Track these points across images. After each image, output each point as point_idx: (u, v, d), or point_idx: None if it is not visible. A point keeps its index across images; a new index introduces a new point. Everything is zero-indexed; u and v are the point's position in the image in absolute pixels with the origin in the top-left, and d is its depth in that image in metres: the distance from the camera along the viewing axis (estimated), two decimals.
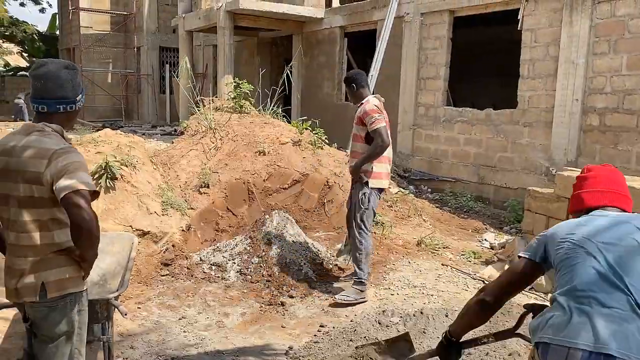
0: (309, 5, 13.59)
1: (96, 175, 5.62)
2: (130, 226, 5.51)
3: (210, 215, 6.28)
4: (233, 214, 6.40)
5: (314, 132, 7.84)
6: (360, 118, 4.62)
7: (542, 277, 4.81)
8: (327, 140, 7.96)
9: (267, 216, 5.61)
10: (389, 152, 4.70)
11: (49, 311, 2.22)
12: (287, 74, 10.44)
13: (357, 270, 4.55)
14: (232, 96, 8.48)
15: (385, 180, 4.78)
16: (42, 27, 31.44)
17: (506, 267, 5.28)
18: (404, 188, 9.97)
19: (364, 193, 4.61)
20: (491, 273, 5.25)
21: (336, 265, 5.35)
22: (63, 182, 2.09)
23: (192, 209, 6.24)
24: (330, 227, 6.50)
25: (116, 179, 5.74)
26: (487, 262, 5.69)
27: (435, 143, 10.47)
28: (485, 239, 6.92)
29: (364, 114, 4.55)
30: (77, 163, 2.17)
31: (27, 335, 2.36)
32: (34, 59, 30.00)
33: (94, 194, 2.20)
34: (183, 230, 5.84)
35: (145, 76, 20.51)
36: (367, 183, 4.61)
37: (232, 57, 13.25)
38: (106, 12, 21.16)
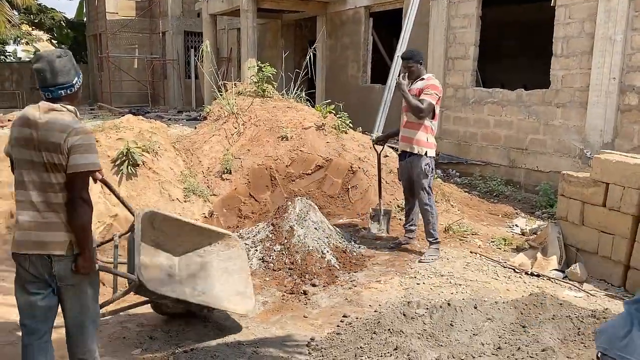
0: None
1: (117, 162, 5.58)
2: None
3: (233, 202, 6.19)
4: (255, 200, 6.30)
5: (337, 115, 7.66)
6: (420, 90, 4.91)
7: (577, 265, 4.59)
8: (351, 124, 7.76)
9: (289, 203, 5.48)
10: (436, 125, 5.12)
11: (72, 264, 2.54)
12: (310, 57, 10.27)
13: (433, 232, 5.04)
14: (255, 80, 8.33)
15: (435, 146, 5.13)
16: (70, 14, 31.66)
17: (539, 254, 5.06)
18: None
19: (427, 163, 5.02)
20: (522, 261, 5.03)
21: (360, 252, 5.22)
22: (74, 159, 2.47)
23: (214, 195, 6.17)
24: (354, 213, 6.35)
25: (137, 165, 5.69)
26: (518, 249, 5.46)
27: (464, 125, 10.17)
28: (516, 225, 6.68)
29: (427, 86, 4.90)
30: (87, 145, 2.51)
31: (25, 310, 2.56)
32: (63, 45, 30.38)
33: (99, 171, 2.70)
34: (205, 217, 5.77)
35: (170, 61, 20.53)
36: (426, 153, 4.98)
37: (255, 40, 13.09)
38: None
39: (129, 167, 5.56)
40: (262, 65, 8.33)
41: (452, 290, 4.22)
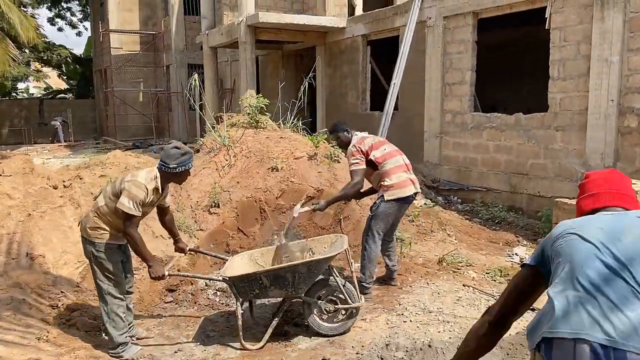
0: (330, 15, 13.38)
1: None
2: None
3: (221, 236, 6.04)
4: (244, 234, 6.15)
5: (331, 144, 7.54)
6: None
7: None
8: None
9: (275, 237, 5.32)
10: (396, 162, 4.91)
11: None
12: (307, 85, 10.24)
13: (360, 274, 4.85)
14: (248, 111, 8.27)
15: (406, 189, 4.85)
16: (80, 50, 32.27)
17: None
18: (431, 199, 9.56)
19: (375, 202, 4.94)
20: None
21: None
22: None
23: (201, 230, 6.02)
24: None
25: None
26: None
27: (463, 151, 10.01)
28: (515, 253, 6.45)
29: (348, 157, 5.00)
30: (127, 192, 3.69)
31: None
32: (72, 81, 30.88)
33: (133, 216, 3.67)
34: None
35: (175, 94, 20.68)
36: (382, 197, 4.83)
37: (254, 71, 13.12)
38: (135, 33, 21.49)
39: None
40: (256, 97, 8.27)
41: (439, 328, 4.00)
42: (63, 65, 26.68)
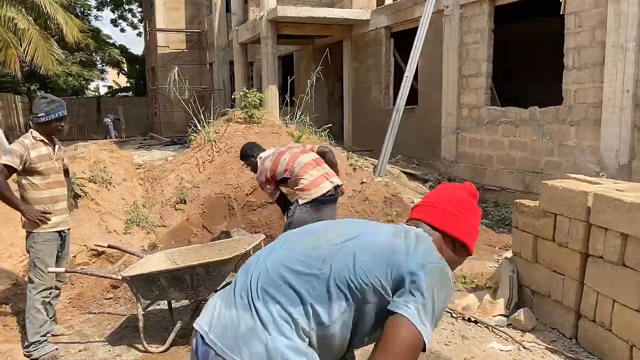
0: (358, 7, 13.02)
1: None
2: (85, 246, 5.30)
3: (183, 233, 5.93)
4: (209, 231, 6.00)
5: (320, 139, 7.28)
6: None
7: (522, 311, 3.94)
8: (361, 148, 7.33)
9: (222, 235, 5.14)
10: (301, 162, 4.52)
11: None
12: (313, 81, 10.04)
13: None
14: (242, 106, 8.15)
15: (321, 186, 4.45)
16: (141, 50, 33.58)
17: (487, 296, 4.38)
18: None
19: (290, 207, 4.55)
20: (469, 303, 4.36)
21: None
22: None
23: (164, 226, 5.93)
24: None
25: (79, 196, 5.58)
26: (477, 289, 4.78)
27: (479, 147, 9.41)
28: (505, 257, 5.92)
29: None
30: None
31: None
32: (131, 79, 32.16)
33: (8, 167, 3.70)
34: (144, 249, 5.53)
35: (217, 91, 20.96)
36: (297, 201, 4.48)
37: (275, 67, 12.99)
38: (180, 31, 21.96)
39: (71, 198, 5.47)
40: (248, 92, 8.14)
41: None
42: (120, 64, 27.77)
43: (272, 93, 12.66)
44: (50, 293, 3.89)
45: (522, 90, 12.80)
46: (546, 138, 7.99)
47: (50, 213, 3.87)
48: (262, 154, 4.76)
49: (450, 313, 4.19)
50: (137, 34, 34.60)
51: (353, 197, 6.48)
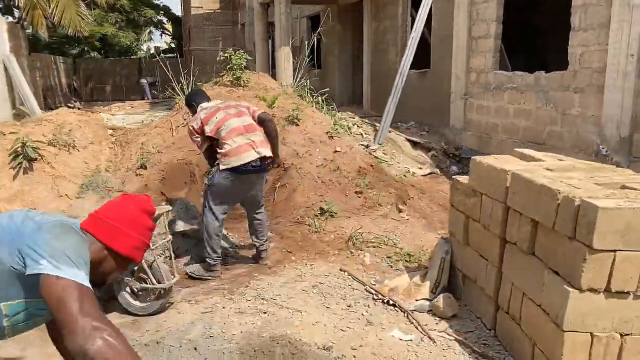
0: None
1: (11, 156, 5.53)
2: (35, 208, 5.31)
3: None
4: (167, 198, 5.91)
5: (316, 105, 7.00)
6: None
7: (442, 297, 3.65)
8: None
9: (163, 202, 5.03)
10: (229, 125, 4.32)
11: None
12: (314, 42, 9.66)
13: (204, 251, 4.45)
14: (227, 68, 7.93)
15: (244, 155, 4.26)
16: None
17: (414, 277, 4.08)
18: (442, 169, 8.64)
19: (210, 170, 4.46)
20: (397, 284, 4.07)
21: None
22: None
23: (121, 191, 5.88)
24: (272, 215, 5.70)
25: (34, 160, 5.59)
26: (419, 268, 4.47)
27: (485, 115, 8.83)
28: (442, 237, 5.53)
29: None
30: None
31: None
32: (174, 40, 32.44)
33: None
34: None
35: (248, 51, 20.76)
36: (218, 165, 4.32)
37: (289, 27, 12.61)
38: None
39: (25, 161, 5.50)
40: (233, 53, 7.90)
41: (245, 320, 3.48)
42: (162, 25, 27.96)
43: (284, 54, 12.34)
44: None
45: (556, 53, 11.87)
46: (550, 106, 7.35)
47: None
48: (204, 104, 4.56)
49: (372, 295, 3.92)
50: None
51: (323, 166, 6.20)
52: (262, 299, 3.79)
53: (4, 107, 14.04)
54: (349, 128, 9.45)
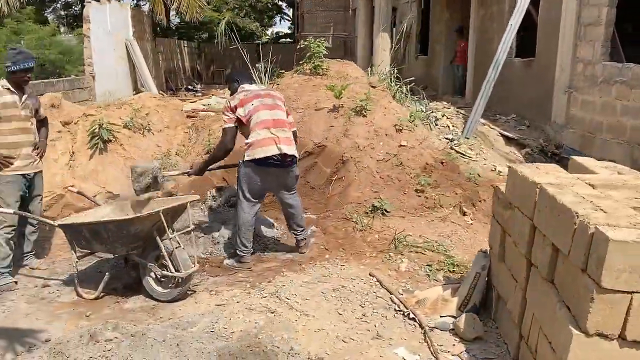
0: None
1: (89, 137, 5.93)
2: (104, 188, 5.68)
3: (204, 184, 5.99)
4: (228, 184, 6.01)
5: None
6: None
7: (464, 317, 3.35)
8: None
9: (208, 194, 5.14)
10: (258, 117, 4.32)
11: None
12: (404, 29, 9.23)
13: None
14: (307, 56, 7.85)
15: (265, 148, 4.25)
16: None
17: (446, 290, 3.74)
18: None
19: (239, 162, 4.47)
20: (427, 296, 3.76)
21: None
22: None
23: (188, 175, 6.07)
24: (322, 209, 5.58)
25: (109, 141, 5.94)
26: (462, 280, 4.11)
27: (590, 112, 7.93)
28: (481, 250, 5.00)
29: None
30: None
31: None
32: (292, 24, 33.13)
33: None
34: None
35: (356, 37, 20.59)
36: (243, 156, 4.36)
37: (388, 13, 12.31)
38: None
39: (100, 142, 5.86)
40: (312, 42, 7.80)
41: (251, 318, 3.40)
42: (278, 11, 28.60)
43: (382, 41, 12.02)
44: (13, 230, 4.23)
45: None
46: None
47: (13, 157, 4.16)
48: (246, 85, 4.56)
49: (395, 305, 3.66)
50: None
51: (384, 160, 5.94)
52: (277, 297, 3.69)
53: (126, 86, 15.27)
54: (436, 119, 9.00)
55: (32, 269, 4.52)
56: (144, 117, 6.39)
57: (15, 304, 3.88)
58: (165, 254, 3.70)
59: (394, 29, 18.88)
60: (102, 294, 3.94)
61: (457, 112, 10.17)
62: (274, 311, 3.49)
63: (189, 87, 22.50)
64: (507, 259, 3.36)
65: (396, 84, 8.57)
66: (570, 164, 3.64)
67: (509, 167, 3.32)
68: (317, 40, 7.89)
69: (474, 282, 3.61)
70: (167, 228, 3.70)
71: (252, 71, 7.85)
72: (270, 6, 28.31)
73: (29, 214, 4.20)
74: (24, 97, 4.26)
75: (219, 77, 26.66)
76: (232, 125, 4.38)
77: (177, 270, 3.71)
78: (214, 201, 5.14)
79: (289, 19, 34.13)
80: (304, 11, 21.76)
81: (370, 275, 4.09)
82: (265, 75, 8.00)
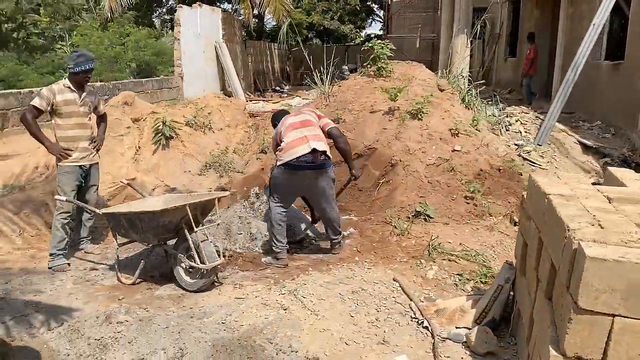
0: None
1: (154, 133, 6.31)
2: (162, 181, 6.02)
3: (256, 181, 6.19)
4: None
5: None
6: None
7: (476, 330, 3.26)
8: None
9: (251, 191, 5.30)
10: (285, 123, 4.54)
11: None
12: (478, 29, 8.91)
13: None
14: (371, 58, 7.82)
15: (295, 149, 4.31)
16: None
17: (468, 301, 3.60)
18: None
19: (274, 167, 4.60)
20: (447, 306, 3.65)
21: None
22: None
23: (241, 172, 6.29)
24: (366, 211, 5.55)
25: (171, 137, 6.29)
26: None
27: None
28: (507, 261, 4.67)
29: None
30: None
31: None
32: (383, 26, 33.01)
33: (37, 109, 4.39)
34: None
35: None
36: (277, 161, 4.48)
37: (469, 13, 11.84)
38: None
39: (163, 138, 6.22)
40: (376, 44, 7.74)
41: (263, 313, 3.47)
42: (369, 13, 28.59)
43: (461, 42, 11.66)
44: (69, 216, 4.60)
45: None
46: None
47: (71, 150, 4.54)
48: (285, 119, 4.69)
49: (412, 312, 3.59)
50: None
51: (435, 165, 5.80)
52: (294, 295, 3.74)
53: (215, 86, 16.00)
54: (508, 125, 8.62)
55: (87, 253, 4.90)
56: (206, 115, 6.70)
57: (63, 284, 4.23)
58: (192, 245, 3.87)
59: (484, 30, 18.25)
60: (138, 280, 4.20)
61: (537, 117, 9.68)
62: (287, 308, 3.54)
63: (277, 88, 23.11)
64: (526, 272, 3.19)
65: (468, 87, 8.30)
66: (606, 175, 3.38)
67: (530, 175, 3.14)
68: (380, 42, 7.82)
69: (495, 294, 3.45)
70: (193, 222, 3.87)
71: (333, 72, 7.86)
72: (359, 8, 28.35)
73: (80, 202, 4.56)
74: (83, 94, 4.63)
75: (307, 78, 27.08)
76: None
77: (202, 262, 3.87)
78: (257, 198, 5.28)
79: (381, 20, 34.05)
80: (392, 13, 21.61)
81: (393, 280, 4.03)
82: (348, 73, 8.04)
